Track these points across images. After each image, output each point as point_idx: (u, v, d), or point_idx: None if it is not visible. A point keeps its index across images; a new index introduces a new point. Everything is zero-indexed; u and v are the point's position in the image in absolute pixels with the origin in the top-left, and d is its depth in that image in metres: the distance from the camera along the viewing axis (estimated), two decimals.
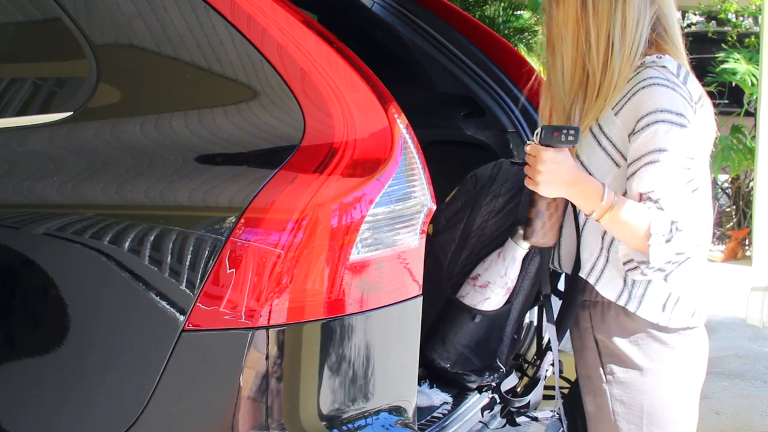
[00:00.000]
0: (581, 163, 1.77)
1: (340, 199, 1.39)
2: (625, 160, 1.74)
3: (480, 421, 1.95)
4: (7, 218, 1.55)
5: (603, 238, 1.80)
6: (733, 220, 6.75)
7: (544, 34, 1.85)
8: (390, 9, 2.56)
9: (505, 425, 1.97)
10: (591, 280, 1.83)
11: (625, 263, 1.74)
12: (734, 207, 6.79)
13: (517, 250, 1.92)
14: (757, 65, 6.26)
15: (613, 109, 1.75)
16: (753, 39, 7.28)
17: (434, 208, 1.53)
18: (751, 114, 6.82)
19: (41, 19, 1.66)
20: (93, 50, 1.55)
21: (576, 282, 1.85)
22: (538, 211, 1.77)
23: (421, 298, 1.54)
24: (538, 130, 1.70)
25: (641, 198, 1.69)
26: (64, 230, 1.50)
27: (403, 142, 1.47)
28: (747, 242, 6.40)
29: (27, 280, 1.55)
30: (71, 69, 1.64)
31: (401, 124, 1.49)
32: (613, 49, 1.74)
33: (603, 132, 1.76)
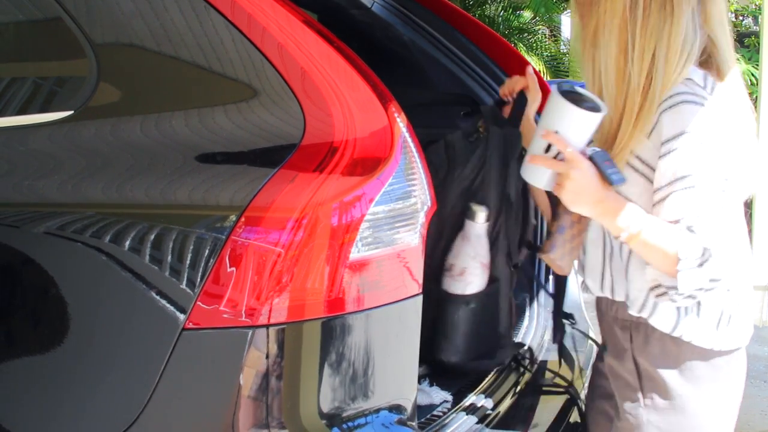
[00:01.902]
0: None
1: (340, 198, 1.40)
2: None
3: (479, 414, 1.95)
4: (7, 217, 1.55)
5: (646, 269, 1.68)
6: None
7: (583, 22, 1.72)
8: (390, 9, 2.56)
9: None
10: (644, 316, 1.73)
11: (652, 288, 1.65)
12: None
13: (475, 227, 1.86)
14: (757, 65, 6.27)
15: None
16: (753, 39, 7.29)
17: (434, 207, 1.54)
18: None
19: (42, 18, 1.66)
20: (93, 49, 1.55)
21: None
22: (561, 226, 1.68)
23: (421, 296, 1.54)
24: (595, 148, 1.62)
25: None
26: (65, 229, 1.50)
27: (403, 141, 1.48)
28: None
29: (27, 278, 1.56)
30: (72, 68, 1.64)
31: (401, 123, 1.49)
32: (656, 73, 1.62)
33: (640, 158, 1.66)
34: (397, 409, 1.52)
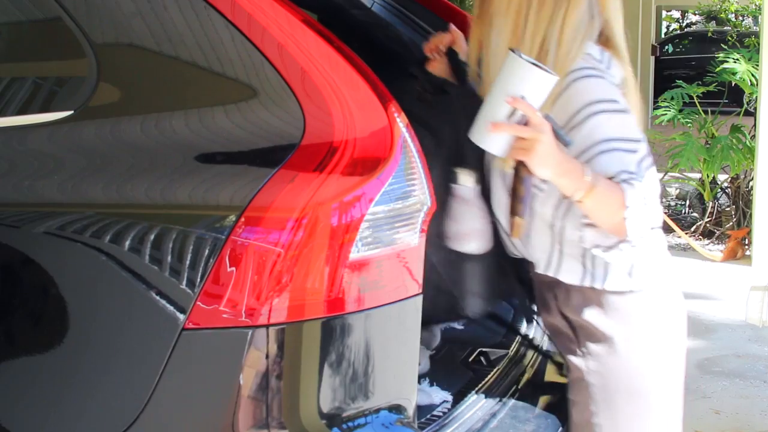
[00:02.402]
0: None
1: (340, 198, 1.40)
2: None
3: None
4: (7, 217, 1.55)
5: (552, 230, 1.80)
6: (732, 219, 6.75)
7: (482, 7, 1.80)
8: (390, 9, 2.56)
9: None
10: (550, 274, 1.84)
11: (593, 248, 1.74)
12: (734, 207, 6.79)
13: (464, 190, 1.88)
14: (757, 65, 6.27)
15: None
16: (753, 39, 7.29)
17: (434, 206, 1.54)
18: (751, 113, 6.82)
19: (42, 18, 1.66)
20: (93, 49, 1.55)
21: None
22: (527, 188, 1.68)
23: (420, 296, 1.54)
24: (545, 113, 1.63)
25: None
26: (65, 229, 1.50)
27: (403, 141, 1.48)
28: (746, 242, 6.40)
29: (27, 278, 1.56)
30: (72, 68, 1.64)
31: (401, 123, 1.49)
32: (547, 54, 1.70)
33: None
34: (397, 409, 1.52)
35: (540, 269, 1.85)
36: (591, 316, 1.83)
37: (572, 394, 1.94)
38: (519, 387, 2.12)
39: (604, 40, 1.80)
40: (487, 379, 2.11)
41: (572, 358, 1.90)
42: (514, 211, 1.69)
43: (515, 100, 1.57)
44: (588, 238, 1.73)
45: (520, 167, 1.66)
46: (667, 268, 1.89)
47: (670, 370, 1.89)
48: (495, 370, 2.16)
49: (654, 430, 1.90)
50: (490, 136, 1.62)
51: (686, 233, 6.75)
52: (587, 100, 1.69)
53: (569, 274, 1.82)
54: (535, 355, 2.28)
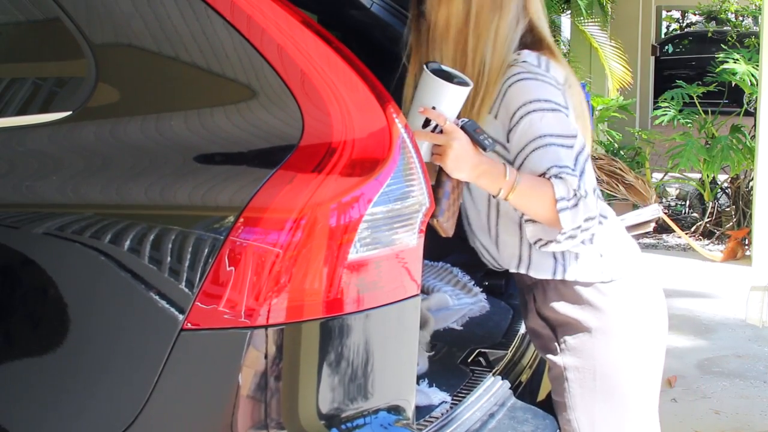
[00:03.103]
0: None
1: (339, 199, 1.40)
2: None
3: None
4: (6, 217, 1.55)
5: (520, 228, 1.87)
6: (732, 220, 6.75)
7: (425, 21, 1.88)
8: (389, 9, 2.56)
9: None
10: (522, 271, 1.90)
11: (535, 242, 1.82)
12: (734, 207, 6.80)
13: None
14: (757, 65, 6.27)
15: (491, 113, 1.83)
16: (753, 39, 7.29)
17: (432, 207, 1.54)
18: (751, 114, 6.83)
19: (40, 18, 1.66)
20: (92, 50, 1.55)
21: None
22: (445, 191, 1.79)
23: (419, 297, 1.54)
24: (464, 119, 1.76)
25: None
26: (64, 229, 1.50)
27: (402, 141, 1.48)
28: (746, 242, 6.41)
29: (26, 279, 1.56)
30: (70, 69, 1.64)
31: (399, 123, 1.49)
32: (485, 64, 1.82)
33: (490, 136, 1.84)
34: (395, 409, 1.52)
35: (513, 268, 1.92)
36: (568, 309, 1.89)
37: (554, 394, 1.99)
38: (517, 388, 2.12)
39: (537, 42, 1.89)
40: (485, 379, 2.11)
41: (551, 357, 1.95)
42: (432, 214, 1.78)
43: (426, 110, 1.73)
44: (529, 232, 1.81)
45: (440, 172, 1.78)
46: (639, 258, 1.95)
47: (647, 363, 1.93)
48: (494, 370, 2.16)
49: (629, 425, 1.92)
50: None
51: (686, 233, 6.76)
52: (521, 101, 1.79)
53: (541, 268, 1.88)
54: (534, 355, 2.28)
